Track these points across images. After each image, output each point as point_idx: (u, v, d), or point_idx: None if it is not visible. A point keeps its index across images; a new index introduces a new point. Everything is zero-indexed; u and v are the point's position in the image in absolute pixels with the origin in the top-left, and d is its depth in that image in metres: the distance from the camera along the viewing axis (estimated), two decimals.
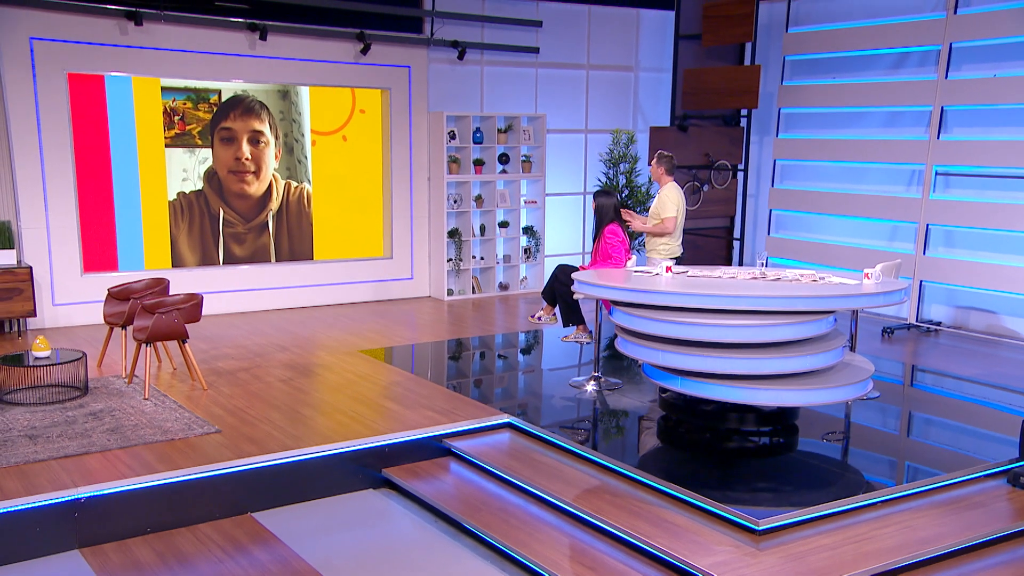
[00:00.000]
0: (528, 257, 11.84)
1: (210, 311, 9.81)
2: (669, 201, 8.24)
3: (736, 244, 12.30)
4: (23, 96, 8.80)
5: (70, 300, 9.27)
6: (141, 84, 9.38)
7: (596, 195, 7.78)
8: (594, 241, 7.83)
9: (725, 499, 5.10)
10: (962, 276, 9.77)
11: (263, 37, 9.68)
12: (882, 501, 5.31)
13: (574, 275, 6.69)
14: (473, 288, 11.49)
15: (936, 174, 10.06)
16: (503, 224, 11.62)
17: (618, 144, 11.86)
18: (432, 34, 10.80)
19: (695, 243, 12.05)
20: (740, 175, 12.01)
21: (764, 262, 6.47)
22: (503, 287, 11.76)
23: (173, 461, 5.59)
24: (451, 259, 11.26)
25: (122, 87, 9.30)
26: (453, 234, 11.23)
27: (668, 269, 6.53)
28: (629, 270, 6.94)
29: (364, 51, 10.31)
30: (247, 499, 5.64)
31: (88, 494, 5.18)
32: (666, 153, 8.44)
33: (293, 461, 5.80)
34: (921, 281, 10.15)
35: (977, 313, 9.90)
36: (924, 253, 10.10)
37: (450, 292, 11.32)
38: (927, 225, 10.08)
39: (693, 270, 6.74)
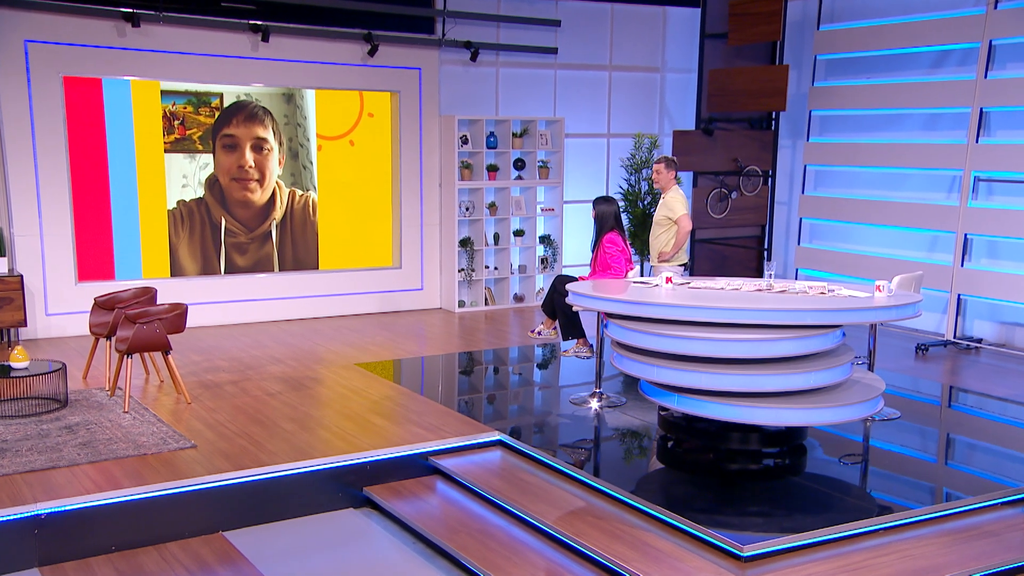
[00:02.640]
0: (545, 267, 11.45)
1: (210, 322, 9.66)
2: (677, 202, 8.10)
3: (764, 254, 11.81)
4: (17, 100, 8.66)
5: (63, 310, 9.08)
6: (140, 87, 9.20)
7: (596, 202, 7.60)
8: (593, 250, 7.53)
9: (713, 523, 4.83)
10: (1006, 290, 9.16)
11: (266, 39, 9.46)
12: (881, 528, 4.97)
13: (569, 286, 6.46)
14: (486, 300, 11.13)
15: (976, 180, 9.49)
16: (518, 233, 11.26)
17: (640, 149, 11.46)
18: (444, 35, 10.51)
19: (722, 253, 11.60)
20: (769, 181, 11.52)
21: (772, 273, 6.18)
22: (518, 299, 11.38)
23: (142, 477, 5.44)
24: (463, 269, 10.90)
25: (120, 90, 9.12)
26: (465, 243, 10.88)
27: (668, 280, 6.26)
28: (628, 281, 6.72)
29: (372, 52, 10.05)
30: (218, 517, 5.48)
31: (48, 510, 5.05)
32: (672, 157, 8.36)
33: (267, 478, 5.64)
34: (959, 295, 9.57)
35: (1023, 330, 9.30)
36: (963, 265, 9.52)
37: (461, 304, 10.95)
38: (965, 235, 9.50)
39: (696, 281, 6.49)
